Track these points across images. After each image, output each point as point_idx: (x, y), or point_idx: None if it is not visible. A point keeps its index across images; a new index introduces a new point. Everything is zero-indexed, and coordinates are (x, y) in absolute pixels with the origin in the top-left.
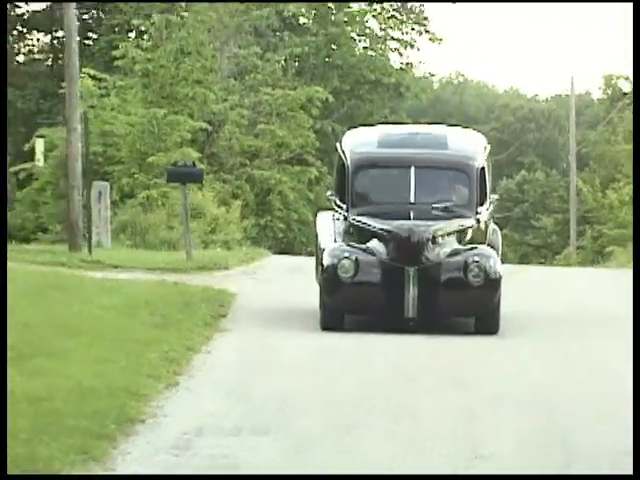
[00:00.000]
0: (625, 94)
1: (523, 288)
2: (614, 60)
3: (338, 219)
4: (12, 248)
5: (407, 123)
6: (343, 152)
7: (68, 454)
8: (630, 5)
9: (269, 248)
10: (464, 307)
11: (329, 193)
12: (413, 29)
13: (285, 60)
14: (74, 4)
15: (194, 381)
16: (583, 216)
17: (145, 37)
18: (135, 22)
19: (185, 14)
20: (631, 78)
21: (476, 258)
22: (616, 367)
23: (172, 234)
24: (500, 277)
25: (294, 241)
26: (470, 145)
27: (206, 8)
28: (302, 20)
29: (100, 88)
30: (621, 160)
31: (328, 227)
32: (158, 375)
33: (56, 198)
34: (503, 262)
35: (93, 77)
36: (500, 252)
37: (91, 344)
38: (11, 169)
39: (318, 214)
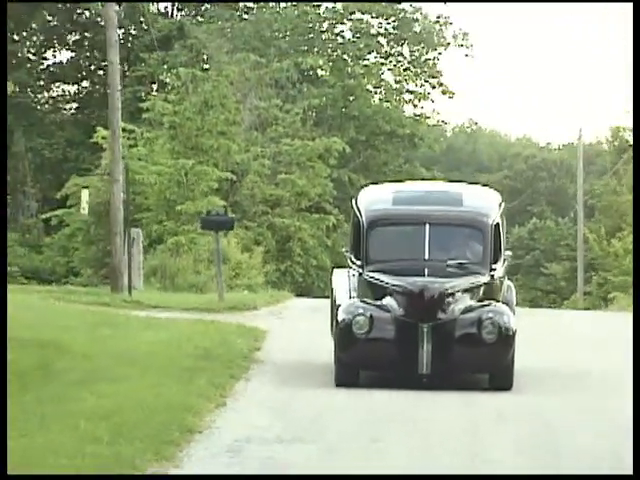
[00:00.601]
0: (630, 145)
1: (531, 329)
2: (621, 110)
3: (353, 275)
4: (56, 289)
5: (421, 173)
6: (358, 209)
7: (145, 454)
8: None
9: (289, 292)
10: (478, 363)
11: (344, 249)
12: (427, 81)
13: (304, 111)
14: (117, 66)
15: (238, 402)
16: (590, 263)
17: (172, 91)
18: (161, 77)
19: (206, 66)
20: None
21: (490, 315)
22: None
23: (199, 278)
24: (514, 334)
25: (312, 285)
26: (485, 202)
27: (228, 63)
28: (320, 72)
29: (129, 139)
30: (626, 210)
31: (343, 283)
32: (208, 397)
33: (87, 244)
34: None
35: (123, 129)
36: (514, 308)
37: (145, 372)
38: (42, 216)
39: (334, 271)
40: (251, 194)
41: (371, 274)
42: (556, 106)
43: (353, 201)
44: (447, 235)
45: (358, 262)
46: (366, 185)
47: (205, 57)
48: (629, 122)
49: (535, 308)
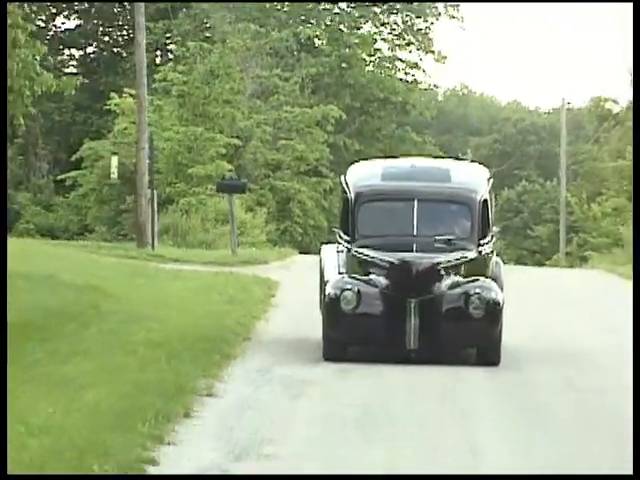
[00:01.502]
0: (615, 115)
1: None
2: (607, 77)
3: (342, 251)
4: (89, 244)
5: (412, 138)
6: (347, 185)
7: (196, 371)
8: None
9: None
10: (465, 338)
11: (334, 227)
12: (419, 49)
13: (302, 80)
14: (144, 48)
15: (261, 337)
16: (571, 226)
17: (181, 61)
18: (170, 47)
19: (207, 34)
20: (619, 100)
21: (477, 290)
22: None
23: (208, 236)
24: (501, 309)
25: (310, 244)
26: (472, 178)
27: (231, 33)
28: (317, 42)
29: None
30: (606, 176)
31: (332, 259)
32: (236, 332)
33: (100, 203)
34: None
35: (133, 96)
36: (502, 284)
37: (182, 313)
38: (57, 177)
39: (322, 246)
40: (254, 158)
41: (359, 249)
42: (545, 71)
43: (342, 177)
44: (435, 211)
45: (347, 237)
46: (355, 161)
47: (208, 26)
48: (611, 91)
49: (520, 266)
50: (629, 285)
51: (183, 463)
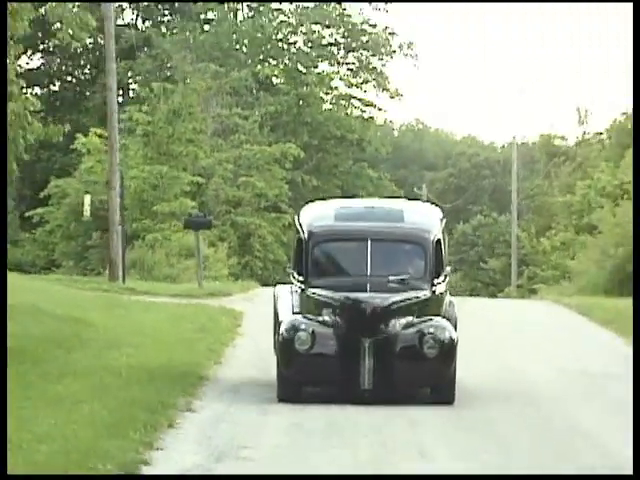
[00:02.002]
0: (564, 151)
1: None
2: (559, 113)
3: (296, 291)
4: (63, 277)
5: (369, 173)
6: (300, 226)
7: (175, 391)
8: None
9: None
10: (420, 378)
11: (287, 266)
12: (375, 87)
13: (261, 118)
14: (115, 91)
15: (230, 361)
16: (522, 259)
17: (144, 102)
18: (134, 87)
19: (168, 73)
20: (568, 137)
21: (431, 330)
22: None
23: (172, 270)
24: (455, 348)
25: (269, 278)
26: (426, 218)
27: (192, 72)
28: (275, 81)
29: (105, 145)
30: (556, 210)
31: (286, 299)
32: (208, 357)
33: (67, 239)
34: (455, 295)
35: (100, 136)
36: (456, 323)
37: (157, 341)
38: (25, 214)
39: (276, 287)
40: (216, 195)
41: (313, 290)
42: (500, 106)
43: (295, 218)
44: (389, 251)
45: (300, 278)
46: (308, 202)
47: (169, 66)
48: (560, 128)
49: (472, 297)
50: (573, 314)
51: (171, 464)
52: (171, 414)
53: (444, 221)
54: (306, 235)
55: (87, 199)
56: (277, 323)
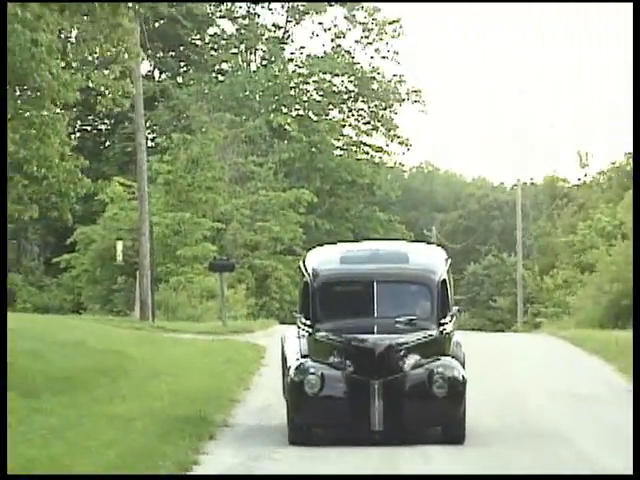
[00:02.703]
0: (565, 193)
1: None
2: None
3: (303, 336)
4: (97, 318)
5: (379, 217)
6: (306, 270)
7: (213, 410)
8: None
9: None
10: (430, 418)
11: (294, 311)
12: (384, 134)
13: (275, 164)
14: (145, 147)
15: (257, 388)
16: (528, 297)
17: (165, 152)
18: (156, 138)
19: (184, 122)
20: (570, 179)
21: (440, 369)
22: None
23: (195, 311)
24: (464, 387)
25: (285, 317)
26: (431, 259)
27: (208, 122)
28: (288, 128)
29: (128, 193)
30: (559, 250)
31: (294, 344)
32: (238, 384)
33: (93, 283)
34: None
35: (122, 184)
36: (464, 363)
37: (190, 372)
38: (53, 260)
39: (285, 332)
40: (234, 239)
41: (321, 333)
42: (509, 147)
43: (301, 263)
44: (395, 292)
45: (308, 322)
46: (312, 247)
47: (186, 116)
48: (563, 171)
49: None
50: (567, 345)
51: (217, 464)
52: (211, 429)
53: (449, 262)
54: (312, 279)
55: (119, 245)
56: (285, 367)
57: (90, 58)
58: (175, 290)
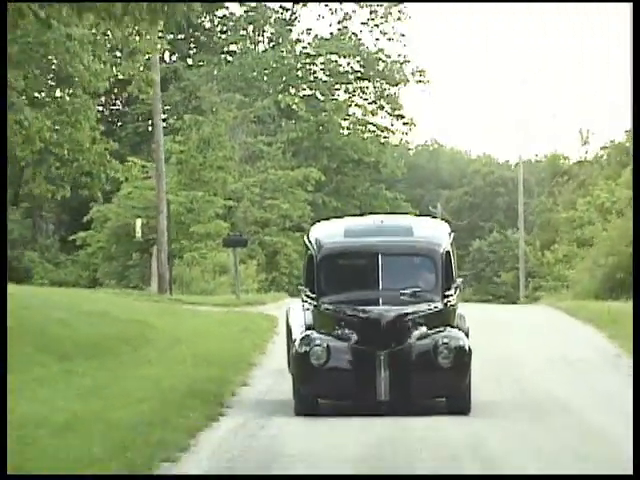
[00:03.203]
0: (566, 170)
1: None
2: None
3: (308, 309)
4: (117, 292)
5: (385, 194)
6: (311, 244)
7: (232, 373)
8: None
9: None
10: (435, 388)
11: (299, 285)
12: (390, 114)
13: (284, 144)
14: (161, 128)
15: (271, 352)
16: (529, 272)
17: (178, 132)
18: (170, 121)
19: (195, 103)
20: (571, 157)
21: (445, 340)
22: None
23: (208, 285)
24: (470, 358)
25: (294, 291)
26: (434, 232)
27: (218, 102)
28: (295, 108)
29: (143, 173)
30: (559, 226)
31: (299, 317)
32: (254, 350)
33: (109, 259)
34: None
35: (134, 163)
36: (468, 334)
37: (209, 339)
38: (70, 237)
39: (289, 306)
40: (244, 217)
41: (326, 305)
42: (515, 125)
43: (305, 237)
44: (399, 265)
45: (313, 295)
46: (317, 221)
47: (197, 96)
48: (565, 148)
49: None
50: (562, 314)
51: (238, 417)
52: (232, 388)
53: (452, 235)
54: (317, 252)
55: (138, 222)
56: (291, 340)
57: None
58: (189, 265)
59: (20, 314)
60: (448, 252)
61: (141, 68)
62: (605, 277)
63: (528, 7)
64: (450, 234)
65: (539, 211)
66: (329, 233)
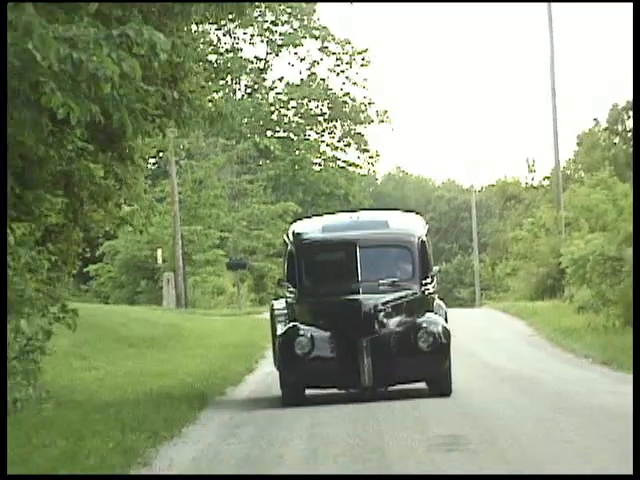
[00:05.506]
0: (513, 195)
1: None
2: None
3: (291, 303)
4: (142, 309)
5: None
6: (290, 240)
7: (243, 365)
8: None
9: None
10: (417, 372)
11: (281, 282)
12: (357, 149)
13: (264, 181)
14: (174, 172)
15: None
16: (483, 286)
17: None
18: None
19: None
20: (521, 181)
21: (424, 325)
22: None
23: (208, 304)
24: (449, 341)
25: None
26: (409, 224)
27: (207, 148)
28: (272, 149)
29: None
30: (506, 244)
31: (282, 312)
32: (262, 339)
33: (119, 287)
34: None
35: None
36: (447, 320)
37: (228, 333)
38: (85, 269)
39: (272, 303)
40: (234, 246)
41: (308, 298)
42: (474, 152)
43: (285, 235)
44: (377, 256)
45: (294, 289)
46: (295, 220)
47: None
48: (514, 174)
49: None
50: (497, 312)
51: (264, 368)
52: (252, 363)
53: (427, 227)
54: (296, 247)
55: (159, 252)
56: (275, 335)
57: None
58: (193, 287)
59: (93, 321)
60: (424, 242)
61: None
62: (537, 283)
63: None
64: (425, 226)
65: (491, 232)
66: (308, 229)
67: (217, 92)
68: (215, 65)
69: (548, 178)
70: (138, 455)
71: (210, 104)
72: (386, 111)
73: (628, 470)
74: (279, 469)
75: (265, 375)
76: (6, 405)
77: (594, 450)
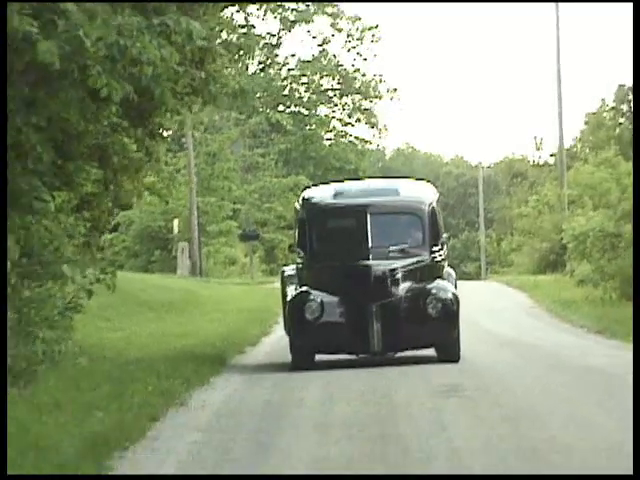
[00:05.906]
0: (520, 172)
1: None
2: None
3: (301, 269)
4: (159, 276)
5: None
6: (301, 206)
7: (258, 328)
8: None
9: None
10: (425, 338)
11: (291, 248)
12: (366, 123)
13: (275, 155)
14: (191, 147)
15: None
16: (489, 261)
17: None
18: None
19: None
20: (528, 158)
21: (434, 291)
22: None
23: (221, 273)
24: (458, 307)
25: None
26: (420, 192)
27: (220, 121)
28: (284, 123)
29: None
30: (513, 220)
31: (293, 277)
32: (275, 305)
33: (133, 257)
34: None
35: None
36: (456, 287)
37: (244, 300)
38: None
39: (283, 269)
40: (247, 218)
41: (318, 264)
42: (483, 129)
43: (296, 202)
44: (388, 223)
45: (305, 255)
46: (307, 187)
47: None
48: (522, 151)
49: None
50: (501, 285)
51: (274, 339)
52: (266, 327)
53: (437, 195)
54: (307, 213)
55: (176, 222)
56: (285, 301)
57: None
58: (206, 257)
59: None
60: (434, 209)
61: None
62: (540, 258)
63: (497, 17)
64: (435, 194)
65: (497, 208)
66: (319, 195)
67: (233, 69)
68: (236, 43)
69: (554, 156)
70: (175, 397)
71: (233, 82)
72: (396, 89)
73: (609, 417)
74: (300, 411)
75: (279, 338)
76: (6, 405)
77: (583, 403)
